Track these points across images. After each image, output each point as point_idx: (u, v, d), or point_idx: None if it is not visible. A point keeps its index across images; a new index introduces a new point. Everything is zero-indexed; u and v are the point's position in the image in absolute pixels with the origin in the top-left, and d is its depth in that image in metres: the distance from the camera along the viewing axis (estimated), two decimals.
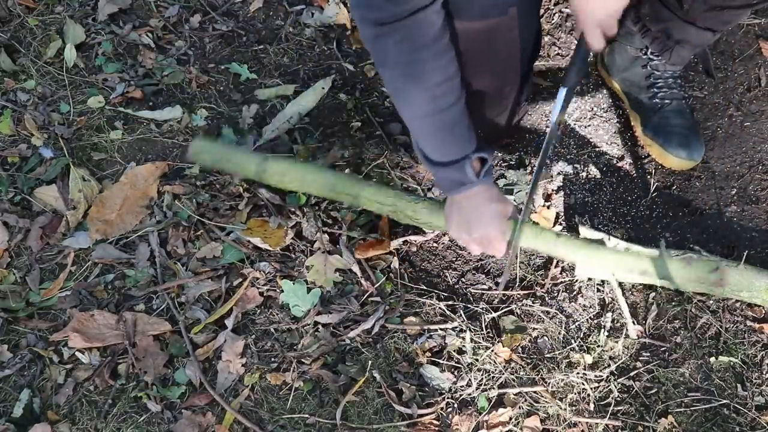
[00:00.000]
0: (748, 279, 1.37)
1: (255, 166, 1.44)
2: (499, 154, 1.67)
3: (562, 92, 1.22)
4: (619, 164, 1.64)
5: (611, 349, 1.43)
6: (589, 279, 1.50)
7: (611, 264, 1.37)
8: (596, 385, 1.39)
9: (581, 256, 1.36)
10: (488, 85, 1.35)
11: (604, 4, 1.08)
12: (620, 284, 1.47)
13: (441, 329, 1.47)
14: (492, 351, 1.44)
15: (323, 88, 1.76)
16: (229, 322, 1.48)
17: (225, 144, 1.55)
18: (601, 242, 1.39)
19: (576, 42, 1.23)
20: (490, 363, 1.43)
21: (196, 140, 1.48)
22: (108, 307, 1.52)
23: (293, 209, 1.58)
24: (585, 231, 1.46)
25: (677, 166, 1.58)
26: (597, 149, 1.66)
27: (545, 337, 1.46)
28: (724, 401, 1.37)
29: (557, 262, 1.53)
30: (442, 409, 1.39)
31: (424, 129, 1.18)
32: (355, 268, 1.53)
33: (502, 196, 1.27)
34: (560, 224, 1.56)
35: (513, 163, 1.65)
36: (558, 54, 1.78)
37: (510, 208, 1.28)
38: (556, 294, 1.51)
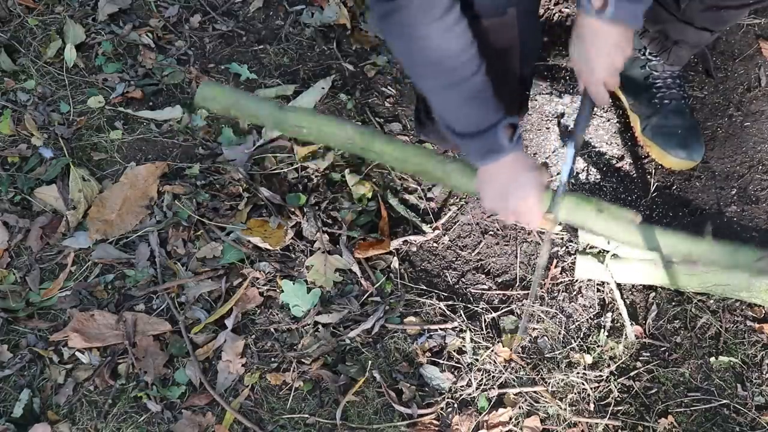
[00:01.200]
0: (747, 278, 1.37)
1: (271, 114, 1.33)
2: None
3: (571, 151, 1.22)
4: (619, 164, 1.64)
5: (611, 349, 1.43)
6: (589, 279, 1.50)
7: (655, 243, 1.25)
8: (596, 385, 1.39)
9: (620, 234, 1.25)
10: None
11: (608, 61, 1.09)
12: (619, 285, 1.47)
13: (441, 329, 1.47)
14: (492, 351, 1.44)
15: (323, 88, 1.76)
16: (229, 322, 1.48)
17: (235, 89, 1.43)
18: (643, 224, 1.27)
19: (580, 96, 1.22)
20: (490, 363, 1.43)
21: (203, 85, 1.35)
22: (108, 307, 1.52)
23: (293, 209, 1.58)
24: (585, 232, 1.46)
25: (677, 167, 1.58)
26: (597, 149, 1.66)
27: (545, 337, 1.46)
28: (724, 401, 1.37)
29: (557, 262, 1.53)
30: (442, 409, 1.39)
31: (449, 101, 1.16)
32: (355, 268, 1.53)
33: (535, 163, 1.24)
34: (560, 224, 1.56)
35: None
36: (558, 54, 1.78)
37: (545, 177, 1.25)
38: (556, 294, 1.51)
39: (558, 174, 1.57)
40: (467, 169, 1.27)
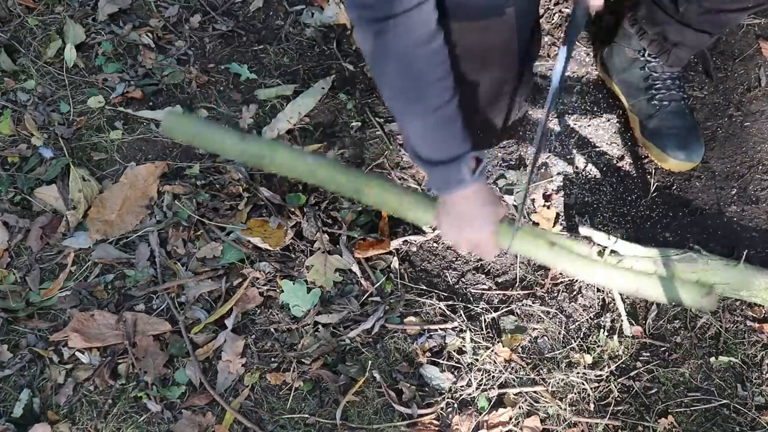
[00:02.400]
0: (747, 278, 1.37)
1: (233, 145, 1.31)
2: (499, 154, 1.67)
3: (563, 51, 1.20)
4: (619, 164, 1.64)
5: (611, 349, 1.43)
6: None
7: (603, 279, 1.32)
8: (596, 385, 1.39)
9: (575, 268, 1.30)
10: (486, 86, 1.35)
11: None
12: None
13: (441, 329, 1.47)
14: (492, 351, 1.44)
15: (323, 88, 1.76)
16: (229, 322, 1.48)
17: (200, 119, 1.40)
18: (599, 253, 1.35)
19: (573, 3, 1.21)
20: (490, 363, 1.43)
21: (168, 115, 1.34)
22: (108, 307, 1.52)
23: (293, 209, 1.58)
24: (585, 230, 1.46)
25: (676, 168, 1.58)
26: (597, 149, 1.66)
27: (545, 337, 1.46)
28: (724, 401, 1.37)
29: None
30: (442, 409, 1.39)
31: (419, 127, 1.16)
32: (355, 268, 1.53)
33: (495, 197, 1.26)
34: (560, 224, 1.56)
35: (513, 163, 1.66)
36: (558, 54, 1.78)
37: (502, 211, 1.28)
38: (556, 294, 1.51)
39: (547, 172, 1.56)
40: (424, 202, 1.29)
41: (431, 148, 1.17)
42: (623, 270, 1.32)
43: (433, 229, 1.58)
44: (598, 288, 1.50)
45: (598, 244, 1.46)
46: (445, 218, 1.27)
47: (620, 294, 1.46)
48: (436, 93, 1.11)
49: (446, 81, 1.12)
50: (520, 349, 1.45)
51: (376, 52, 1.09)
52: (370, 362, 1.44)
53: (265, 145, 1.33)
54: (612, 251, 1.44)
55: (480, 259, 1.57)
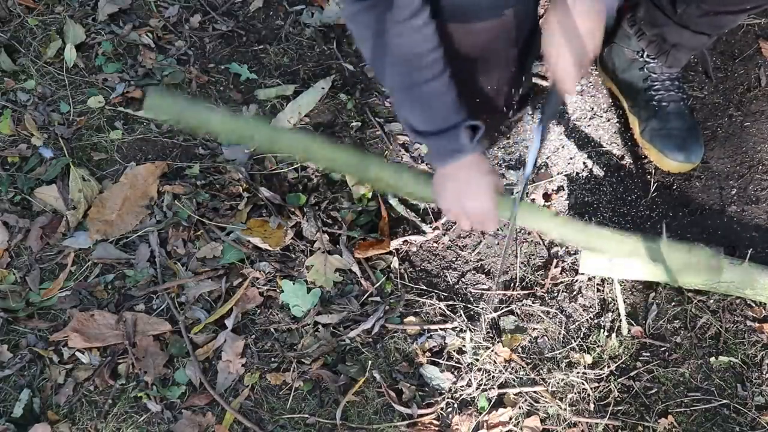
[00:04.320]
0: (751, 276, 1.37)
1: (222, 122, 1.27)
2: (499, 154, 1.67)
3: (538, 132, 1.23)
4: (619, 164, 1.64)
5: (611, 349, 1.43)
6: (590, 279, 1.50)
7: (607, 246, 1.31)
8: (596, 385, 1.40)
9: (577, 237, 1.31)
10: (486, 86, 1.35)
11: (579, 53, 1.09)
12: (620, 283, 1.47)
13: (441, 329, 1.47)
14: (492, 351, 1.44)
15: (323, 88, 1.76)
16: (229, 322, 1.48)
17: (184, 99, 1.42)
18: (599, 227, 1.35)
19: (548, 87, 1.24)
20: (490, 363, 1.43)
21: (151, 94, 1.28)
22: (108, 307, 1.52)
23: (293, 209, 1.58)
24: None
25: (675, 169, 1.57)
26: (597, 149, 1.66)
27: (545, 337, 1.46)
28: (724, 401, 1.37)
29: (557, 262, 1.53)
30: (442, 409, 1.39)
31: (411, 100, 1.17)
32: (355, 268, 1.53)
33: (493, 168, 1.26)
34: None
35: (513, 163, 1.66)
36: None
37: (501, 182, 1.27)
38: (556, 294, 1.51)
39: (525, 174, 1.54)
40: (420, 176, 1.28)
41: (426, 120, 1.17)
42: (627, 238, 1.30)
43: (434, 229, 1.59)
44: (598, 288, 1.50)
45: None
46: (444, 190, 1.24)
47: (621, 295, 1.46)
48: (424, 66, 1.12)
49: (433, 54, 1.12)
50: (520, 349, 1.45)
51: (362, 30, 1.11)
52: (370, 362, 1.44)
53: (255, 124, 1.33)
54: None
55: (480, 259, 1.57)
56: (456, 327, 1.47)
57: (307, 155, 1.32)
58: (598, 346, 1.43)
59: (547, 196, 1.61)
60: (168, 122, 1.49)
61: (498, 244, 1.58)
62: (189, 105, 1.30)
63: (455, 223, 1.48)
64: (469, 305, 1.50)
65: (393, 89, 1.18)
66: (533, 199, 1.60)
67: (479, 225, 1.26)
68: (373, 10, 1.05)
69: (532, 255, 1.56)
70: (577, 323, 1.47)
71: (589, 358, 1.42)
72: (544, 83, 1.74)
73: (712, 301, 1.46)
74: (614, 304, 1.47)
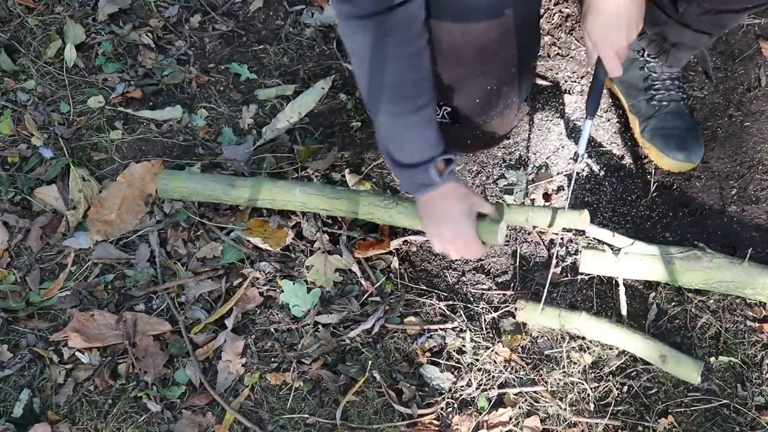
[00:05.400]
0: (752, 276, 1.37)
1: (225, 193, 1.52)
2: (499, 154, 1.67)
3: (588, 124, 1.27)
4: (619, 164, 1.64)
5: (611, 348, 1.43)
6: (590, 278, 1.50)
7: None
8: (596, 385, 1.39)
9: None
10: (486, 86, 1.35)
11: (622, 32, 1.10)
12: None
13: (441, 329, 1.47)
14: (492, 351, 1.44)
15: (323, 88, 1.76)
16: (229, 322, 1.48)
17: (191, 174, 1.58)
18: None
19: (592, 69, 1.30)
20: (490, 363, 1.43)
21: (162, 176, 1.53)
22: (108, 307, 1.52)
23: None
24: (592, 230, 1.46)
25: (675, 169, 1.57)
26: (597, 149, 1.66)
27: (545, 337, 1.46)
28: (724, 401, 1.37)
29: (557, 261, 1.53)
30: (442, 409, 1.39)
31: (392, 128, 1.16)
32: (355, 268, 1.53)
33: (468, 193, 1.26)
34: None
35: (513, 163, 1.66)
36: (558, 54, 1.78)
37: (478, 203, 1.27)
38: (556, 294, 1.51)
39: (569, 166, 1.57)
40: (411, 209, 1.39)
41: (401, 150, 1.17)
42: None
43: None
44: (598, 288, 1.50)
45: (604, 242, 1.46)
46: (425, 221, 1.28)
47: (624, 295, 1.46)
48: (414, 95, 1.11)
49: (424, 83, 1.12)
50: (520, 349, 1.45)
51: (357, 49, 1.09)
52: (370, 362, 1.44)
53: (250, 182, 1.51)
54: (616, 249, 1.44)
55: (480, 259, 1.57)
56: (456, 327, 1.47)
57: (306, 207, 1.52)
58: (597, 346, 1.43)
59: (547, 196, 1.61)
60: (181, 200, 1.60)
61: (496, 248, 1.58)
62: (198, 181, 1.53)
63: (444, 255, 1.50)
64: (469, 305, 1.50)
65: (379, 114, 1.15)
66: (533, 199, 1.60)
67: (464, 251, 1.29)
68: (371, 30, 1.03)
69: (532, 255, 1.56)
70: None
71: (589, 358, 1.42)
72: (545, 83, 1.74)
73: (712, 301, 1.46)
74: (614, 303, 1.47)
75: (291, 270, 1.54)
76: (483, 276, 1.55)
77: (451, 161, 1.19)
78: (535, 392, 1.39)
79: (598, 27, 1.13)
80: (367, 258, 1.55)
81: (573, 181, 1.44)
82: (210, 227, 1.58)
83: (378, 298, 1.50)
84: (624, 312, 1.45)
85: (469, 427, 1.36)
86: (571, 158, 1.65)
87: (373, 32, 1.03)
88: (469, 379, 1.41)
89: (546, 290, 1.39)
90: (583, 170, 1.63)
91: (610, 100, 1.71)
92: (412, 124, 1.14)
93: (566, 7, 1.83)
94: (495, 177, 1.64)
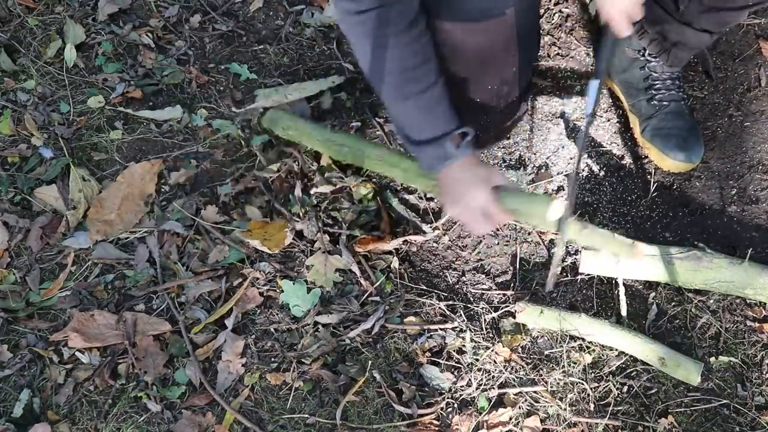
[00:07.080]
0: (752, 276, 1.37)
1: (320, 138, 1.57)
2: (499, 154, 1.67)
3: (594, 84, 1.25)
4: (619, 164, 1.64)
5: (611, 349, 1.43)
6: (590, 278, 1.50)
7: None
8: (596, 385, 1.40)
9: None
10: (487, 86, 1.35)
11: None
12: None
13: (441, 329, 1.47)
14: (492, 351, 1.44)
15: (333, 82, 1.75)
16: (229, 322, 1.48)
17: (294, 115, 1.65)
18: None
19: (596, 33, 1.27)
20: (490, 363, 1.43)
21: (271, 111, 1.58)
22: (108, 307, 1.52)
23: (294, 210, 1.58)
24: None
25: (675, 169, 1.57)
26: (597, 149, 1.66)
27: (545, 337, 1.46)
28: (724, 401, 1.37)
29: (559, 263, 1.53)
30: (442, 409, 1.39)
31: (404, 110, 1.21)
32: (355, 268, 1.53)
33: (486, 165, 1.29)
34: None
35: (513, 163, 1.66)
36: (558, 54, 1.78)
37: (498, 176, 1.28)
38: (556, 294, 1.51)
39: (564, 172, 1.57)
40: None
41: (417, 129, 1.21)
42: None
43: (434, 229, 1.58)
44: (597, 287, 1.50)
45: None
46: (445, 195, 1.29)
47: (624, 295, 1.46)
48: (419, 77, 1.15)
49: (428, 65, 1.16)
50: (520, 349, 1.45)
51: (360, 42, 1.14)
52: (370, 362, 1.44)
53: (339, 134, 1.57)
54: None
55: (480, 259, 1.57)
56: (456, 327, 1.47)
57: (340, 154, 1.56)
58: (597, 346, 1.43)
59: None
60: (282, 135, 1.63)
61: (498, 244, 1.58)
62: (298, 120, 1.60)
63: (459, 225, 1.50)
64: (469, 305, 1.50)
65: (389, 99, 1.21)
66: None
67: (485, 219, 1.27)
68: (370, 23, 1.08)
69: (532, 255, 1.56)
70: None
71: (589, 358, 1.42)
72: (545, 83, 1.74)
73: (712, 301, 1.46)
74: (614, 303, 1.47)
75: (291, 270, 1.54)
76: (483, 276, 1.55)
77: (466, 134, 1.21)
78: (535, 392, 1.39)
79: None
80: (367, 258, 1.55)
81: (575, 176, 1.41)
82: (209, 228, 1.58)
83: (378, 298, 1.50)
84: (624, 312, 1.45)
85: (469, 427, 1.36)
86: (570, 158, 1.65)
87: (372, 24, 1.08)
88: (469, 379, 1.41)
89: (549, 286, 1.40)
90: (583, 170, 1.63)
91: (610, 100, 1.71)
92: (422, 105, 1.18)
93: (566, 7, 1.83)
94: None
